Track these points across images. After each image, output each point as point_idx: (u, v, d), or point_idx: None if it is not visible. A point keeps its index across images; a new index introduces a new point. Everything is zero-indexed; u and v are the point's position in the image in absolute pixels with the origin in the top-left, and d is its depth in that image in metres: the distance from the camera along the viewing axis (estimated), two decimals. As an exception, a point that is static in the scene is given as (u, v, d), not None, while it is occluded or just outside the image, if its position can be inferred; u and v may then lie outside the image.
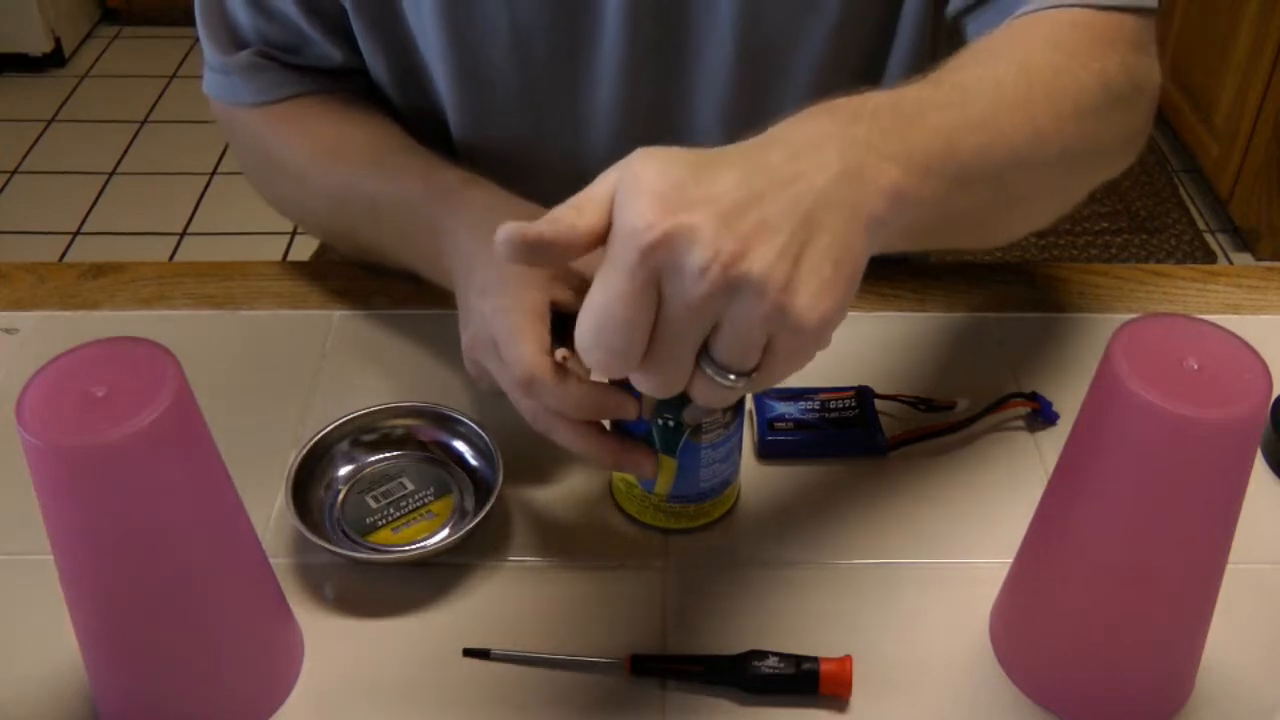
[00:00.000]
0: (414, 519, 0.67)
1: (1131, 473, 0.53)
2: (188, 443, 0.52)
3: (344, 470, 0.70)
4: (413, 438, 0.71)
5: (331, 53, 0.83)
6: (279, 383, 0.78)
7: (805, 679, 0.59)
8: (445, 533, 0.67)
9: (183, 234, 2.50)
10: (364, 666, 0.62)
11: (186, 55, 3.09)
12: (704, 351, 0.49)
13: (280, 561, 0.67)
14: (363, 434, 0.71)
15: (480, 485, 0.69)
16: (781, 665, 0.60)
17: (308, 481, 0.68)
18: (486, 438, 0.69)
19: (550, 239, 0.47)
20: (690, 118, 0.82)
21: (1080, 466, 0.55)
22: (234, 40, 0.83)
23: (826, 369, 0.76)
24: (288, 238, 2.42)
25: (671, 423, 0.63)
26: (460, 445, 0.71)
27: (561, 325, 0.66)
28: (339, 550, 0.65)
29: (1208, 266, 0.94)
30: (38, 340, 0.82)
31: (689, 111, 0.82)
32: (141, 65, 3.07)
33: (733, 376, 0.49)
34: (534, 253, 0.47)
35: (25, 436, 0.49)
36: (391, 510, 0.68)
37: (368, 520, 0.67)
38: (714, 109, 0.82)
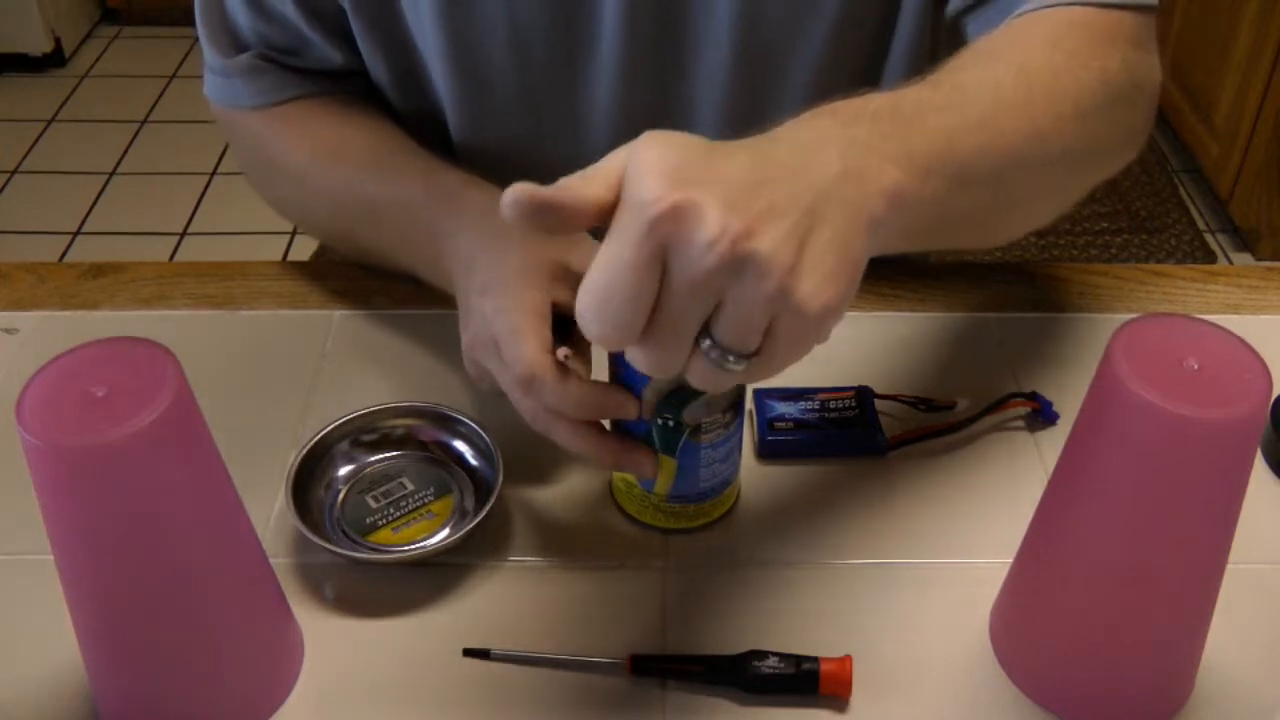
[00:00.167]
0: (414, 519, 0.67)
1: (1131, 473, 0.53)
2: (188, 443, 0.52)
3: (344, 470, 0.70)
4: (413, 438, 0.71)
5: (331, 55, 0.83)
6: (279, 383, 0.78)
7: (805, 679, 0.59)
8: (445, 533, 0.67)
9: (183, 234, 2.50)
10: (364, 666, 0.62)
11: (186, 55, 3.09)
12: (704, 333, 0.48)
13: (280, 561, 0.67)
14: (363, 434, 0.71)
15: (480, 485, 0.69)
16: (781, 665, 0.60)
17: (308, 481, 0.68)
18: (486, 438, 0.69)
19: (557, 203, 0.46)
20: (689, 118, 0.82)
21: (1080, 466, 0.55)
22: (234, 43, 0.83)
23: (826, 369, 0.77)
24: (288, 238, 2.42)
25: (671, 423, 0.63)
26: (460, 445, 0.71)
27: (562, 326, 0.66)
28: (339, 550, 0.65)
29: (1208, 266, 0.94)
30: (38, 340, 0.82)
31: (688, 112, 0.82)
32: (141, 65, 3.07)
33: (731, 359, 0.48)
34: (540, 215, 0.46)
35: (25, 436, 0.49)
36: (391, 510, 0.68)
37: (368, 520, 0.67)
38: (713, 109, 0.82)
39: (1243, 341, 0.53)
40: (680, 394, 0.61)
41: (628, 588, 0.66)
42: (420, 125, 0.85)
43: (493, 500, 0.66)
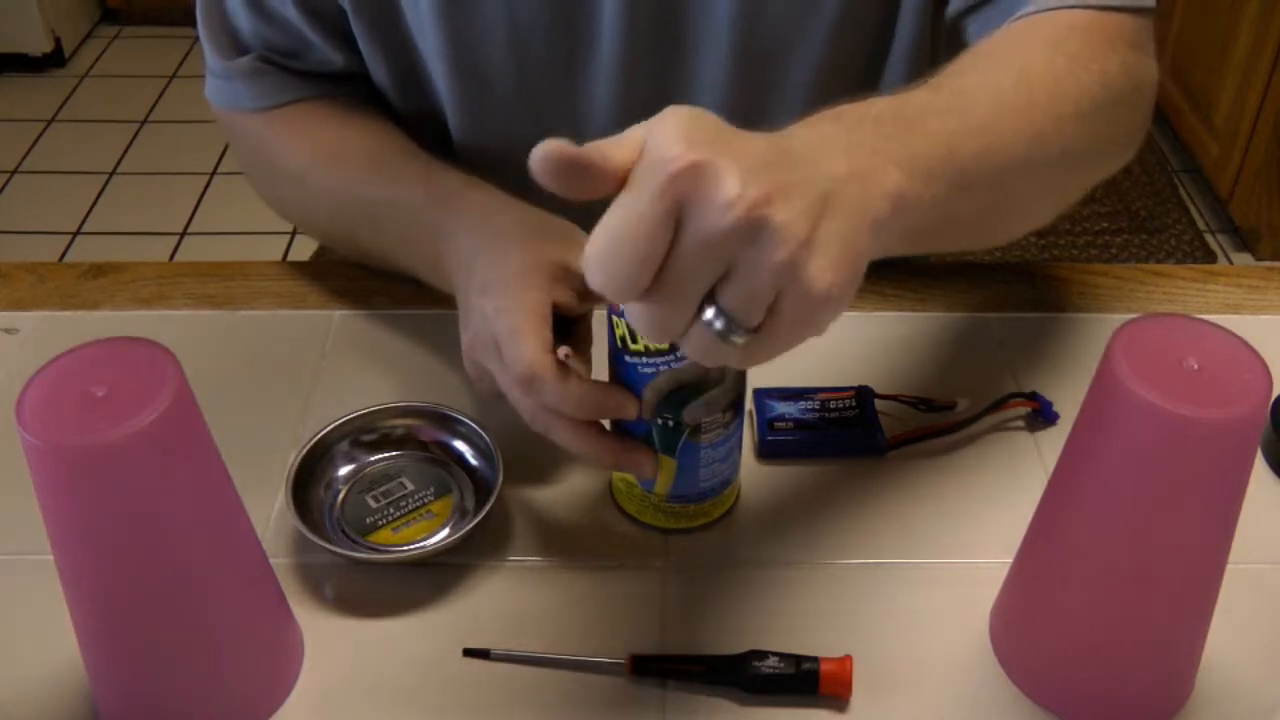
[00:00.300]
0: (414, 519, 0.67)
1: (1131, 473, 0.53)
2: (188, 443, 0.52)
3: (344, 470, 0.70)
4: (413, 438, 0.71)
5: (332, 57, 0.83)
6: (279, 383, 0.78)
7: (805, 679, 0.59)
8: (445, 533, 0.67)
9: (183, 234, 2.50)
10: (364, 666, 0.62)
11: (186, 55, 3.09)
12: (709, 303, 0.47)
13: (280, 561, 0.67)
14: (363, 434, 0.71)
15: (480, 485, 0.69)
16: (781, 665, 0.60)
17: (308, 481, 0.68)
18: (486, 438, 0.69)
19: (585, 162, 0.45)
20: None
21: (1080, 466, 0.55)
22: (235, 45, 0.83)
23: (826, 369, 0.77)
24: (288, 238, 2.42)
25: (671, 422, 0.63)
26: (460, 445, 0.71)
27: (562, 326, 0.66)
28: (339, 550, 0.65)
29: (1208, 266, 0.94)
30: (38, 340, 0.82)
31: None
32: (141, 65, 3.07)
33: (733, 330, 0.47)
34: (568, 173, 0.45)
35: (25, 436, 0.49)
36: (391, 510, 0.68)
37: (368, 520, 0.67)
38: (713, 110, 0.81)
39: (1243, 341, 0.53)
40: (680, 394, 0.61)
41: (628, 588, 0.66)
42: (420, 126, 0.85)
43: (493, 500, 0.66)
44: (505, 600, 0.65)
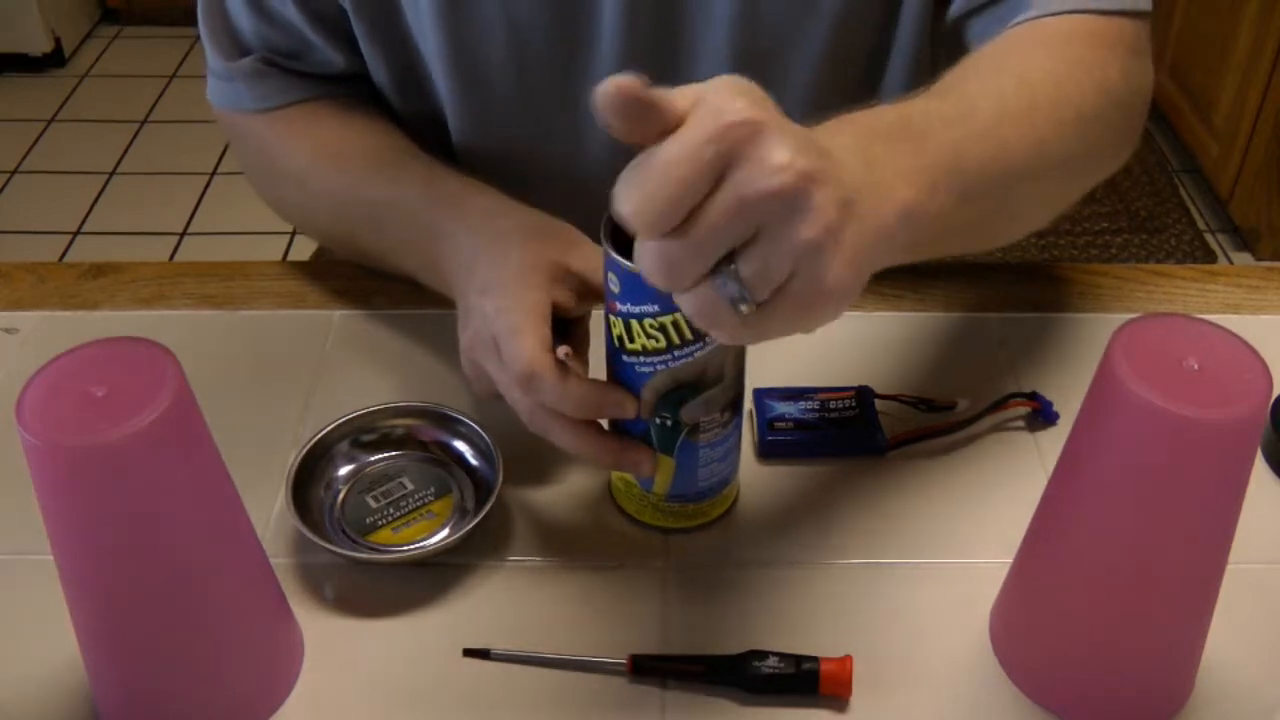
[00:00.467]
0: (414, 519, 0.67)
1: (1131, 472, 0.53)
2: (188, 443, 0.52)
3: (344, 470, 0.70)
4: (413, 438, 0.71)
5: (334, 58, 0.83)
6: (279, 383, 0.78)
7: (805, 679, 0.59)
8: (445, 533, 0.67)
9: (183, 234, 2.51)
10: (364, 666, 0.62)
11: (186, 55, 3.10)
12: (724, 264, 0.47)
13: (280, 561, 0.67)
14: (363, 434, 0.71)
15: (480, 485, 0.69)
16: (781, 665, 0.60)
17: (308, 481, 0.68)
18: (486, 438, 0.69)
19: (649, 101, 0.45)
20: None
21: (1080, 466, 0.55)
22: (237, 46, 0.83)
23: (826, 369, 0.77)
24: (288, 238, 2.42)
25: (669, 422, 0.63)
26: (460, 445, 0.71)
27: (561, 327, 0.66)
28: (339, 550, 0.65)
29: (1208, 266, 0.94)
30: (38, 340, 0.82)
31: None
32: (141, 65, 3.07)
33: (740, 297, 0.47)
34: (632, 107, 0.45)
35: (25, 436, 0.49)
36: (391, 510, 0.68)
37: (368, 520, 0.67)
38: None
39: (1243, 341, 0.53)
40: (678, 393, 0.61)
41: (628, 588, 0.66)
42: (421, 128, 0.85)
43: (493, 500, 0.66)
44: (505, 600, 0.65)
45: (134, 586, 0.54)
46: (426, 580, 0.66)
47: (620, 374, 0.62)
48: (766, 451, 0.73)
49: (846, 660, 0.60)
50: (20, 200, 2.60)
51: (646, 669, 0.61)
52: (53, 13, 2.99)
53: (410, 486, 0.69)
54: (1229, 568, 0.56)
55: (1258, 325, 0.83)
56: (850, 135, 0.51)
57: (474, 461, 0.70)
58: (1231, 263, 2.35)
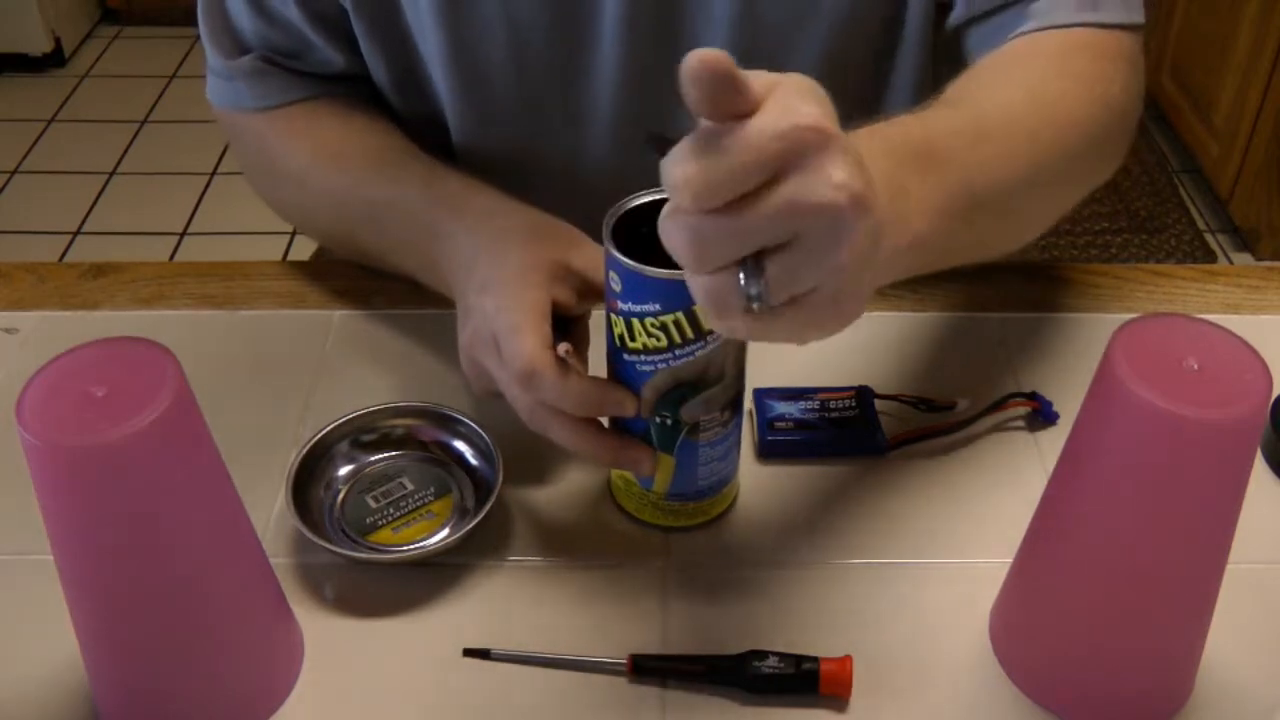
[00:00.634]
0: (414, 519, 0.67)
1: (1131, 472, 0.53)
2: (188, 443, 0.52)
3: (344, 470, 0.70)
4: (413, 438, 0.71)
5: (334, 58, 0.83)
6: (279, 383, 0.78)
7: (805, 679, 0.59)
8: (445, 533, 0.67)
9: (183, 234, 2.50)
10: (364, 666, 0.62)
11: (186, 55, 3.10)
12: (751, 260, 0.46)
13: (280, 561, 0.67)
14: (363, 434, 0.71)
15: (480, 485, 0.69)
16: (781, 665, 0.60)
17: (308, 481, 0.68)
18: (486, 438, 0.69)
19: (734, 81, 0.44)
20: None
21: (1080, 466, 0.55)
22: (237, 45, 0.83)
23: (826, 369, 0.77)
24: (288, 238, 2.42)
25: (669, 421, 0.63)
26: (460, 445, 0.71)
27: (562, 326, 0.66)
28: (339, 550, 0.65)
29: (1208, 266, 0.94)
30: (38, 340, 0.82)
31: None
32: (141, 65, 3.07)
33: (757, 293, 0.46)
34: (716, 83, 0.45)
35: (25, 436, 0.49)
36: (391, 510, 0.68)
37: (368, 520, 0.67)
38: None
39: (1243, 341, 0.53)
40: (678, 392, 0.61)
41: (628, 588, 0.66)
42: (421, 128, 0.85)
43: (492, 500, 0.66)
44: (505, 600, 0.65)
45: (134, 586, 0.54)
46: (426, 580, 0.66)
47: (621, 373, 0.62)
48: (766, 451, 0.73)
49: (846, 660, 0.60)
50: (20, 200, 2.60)
51: (646, 669, 0.61)
52: (53, 13, 2.99)
53: (410, 486, 0.69)
54: (1229, 568, 0.56)
55: (1258, 325, 0.83)
56: (884, 161, 0.51)
57: (474, 461, 0.70)
58: (1231, 263, 2.35)
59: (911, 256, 0.52)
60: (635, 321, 0.59)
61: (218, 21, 0.83)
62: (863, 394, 0.75)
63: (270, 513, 0.69)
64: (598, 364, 0.65)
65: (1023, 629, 0.62)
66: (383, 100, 0.87)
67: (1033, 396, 0.75)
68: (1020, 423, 0.75)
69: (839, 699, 0.60)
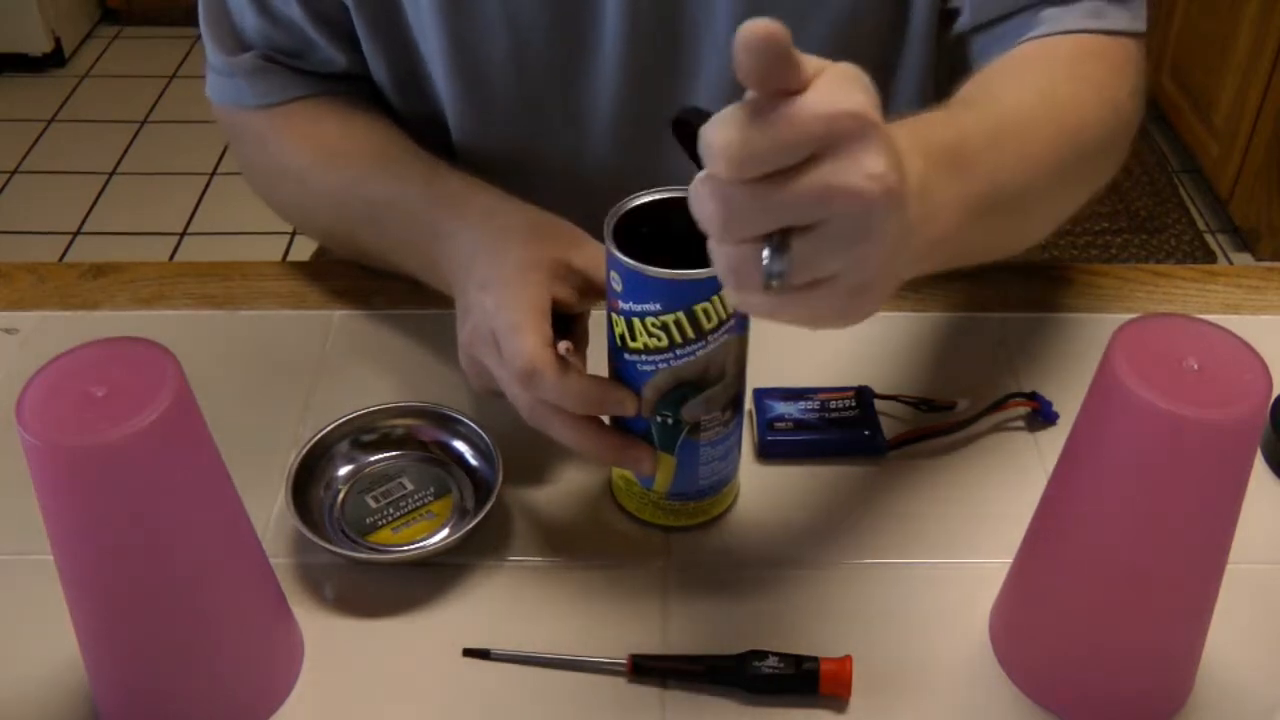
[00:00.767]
0: (414, 519, 0.67)
1: (1131, 473, 0.53)
2: (188, 443, 0.52)
3: (344, 470, 0.70)
4: (413, 438, 0.71)
5: (335, 57, 0.83)
6: (279, 383, 0.78)
7: (805, 679, 0.59)
8: (445, 533, 0.67)
9: (183, 234, 2.50)
10: (364, 666, 0.62)
11: (186, 55, 3.10)
12: (777, 236, 0.46)
13: (280, 561, 0.67)
14: (363, 434, 0.71)
15: (480, 485, 0.69)
16: (781, 665, 0.60)
17: (308, 481, 0.68)
18: (486, 438, 0.69)
19: (788, 55, 0.44)
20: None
21: (1080, 467, 0.55)
22: (238, 43, 0.83)
23: (826, 369, 0.77)
24: (288, 238, 2.42)
25: (670, 420, 0.63)
26: (460, 445, 0.71)
27: (562, 324, 0.66)
28: (339, 550, 0.65)
29: (1208, 266, 0.94)
30: (38, 340, 0.82)
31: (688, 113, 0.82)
32: (141, 65, 3.07)
33: (778, 269, 0.45)
34: (770, 55, 0.44)
35: (25, 436, 0.49)
36: (391, 510, 0.68)
37: (368, 520, 0.67)
38: (716, 110, 0.81)
39: (1243, 341, 0.53)
40: (679, 391, 0.61)
41: (628, 588, 0.66)
42: (422, 127, 0.85)
43: (492, 500, 0.66)
44: (505, 600, 0.65)
45: (134, 586, 0.54)
46: (426, 580, 0.66)
47: (622, 372, 0.62)
48: (766, 451, 0.73)
49: (846, 660, 0.60)
50: (20, 200, 2.60)
51: (646, 669, 0.61)
52: (53, 13, 2.99)
53: (410, 486, 0.69)
54: (1229, 568, 0.56)
55: (1258, 325, 0.83)
56: (916, 160, 0.51)
57: (474, 461, 0.70)
58: (1231, 263, 2.35)
59: (934, 256, 0.52)
60: (636, 321, 0.59)
61: (219, 19, 0.83)
62: (863, 394, 0.75)
63: (270, 513, 0.69)
64: (598, 363, 0.65)
65: (1023, 629, 0.62)
66: (383, 100, 0.87)
67: (1033, 396, 0.75)
68: (1020, 423, 0.75)
69: (839, 699, 0.60)
